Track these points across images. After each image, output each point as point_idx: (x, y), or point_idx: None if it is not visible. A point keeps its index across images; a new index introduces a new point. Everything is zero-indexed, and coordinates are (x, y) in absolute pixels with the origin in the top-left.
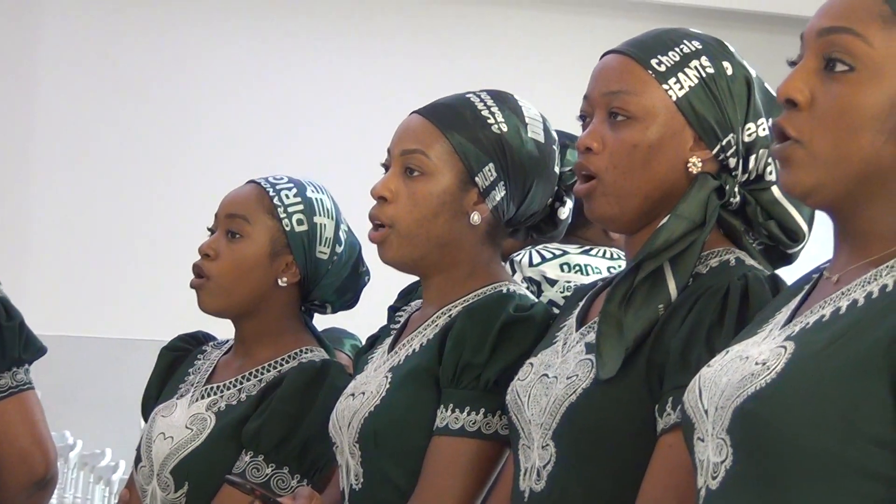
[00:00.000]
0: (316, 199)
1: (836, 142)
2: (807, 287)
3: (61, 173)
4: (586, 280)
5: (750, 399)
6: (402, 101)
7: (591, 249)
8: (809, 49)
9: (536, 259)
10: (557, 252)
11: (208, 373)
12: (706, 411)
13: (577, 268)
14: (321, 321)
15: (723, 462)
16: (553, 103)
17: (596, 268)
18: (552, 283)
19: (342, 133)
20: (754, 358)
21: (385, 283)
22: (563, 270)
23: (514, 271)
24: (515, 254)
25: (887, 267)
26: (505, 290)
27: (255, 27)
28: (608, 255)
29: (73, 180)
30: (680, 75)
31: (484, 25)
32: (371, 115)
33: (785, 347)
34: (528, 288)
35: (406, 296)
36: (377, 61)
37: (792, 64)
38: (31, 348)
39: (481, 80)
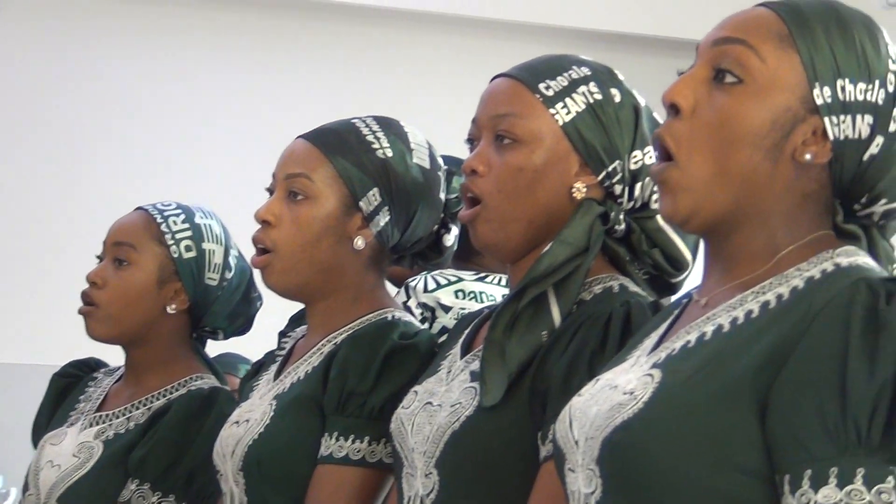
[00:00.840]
0: (204, 224)
1: (714, 155)
2: (676, 311)
3: None
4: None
5: (618, 430)
6: (290, 125)
7: (486, 276)
8: (702, 58)
9: (431, 285)
10: (452, 278)
11: (99, 401)
12: (576, 442)
13: (472, 295)
14: (216, 346)
15: (592, 493)
16: (445, 125)
17: (491, 295)
18: (446, 309)
19: (231, 158)
20: (622, 387)
21: (281, 308)
22: (457, 297)
23: (408, 297)
24: (411, 279)
25: (753, 292)
26: (390, 318)
27: (146, 51)
28: (503, 282)
29: None
30: (567, 100)
31: (374, 48)
32: (259, 140)
33: (652, 376)
34: (422, 314)
35: (297, 321)
36: (266, 86)
37: (681, 74)
38: None
39: (370, 104)
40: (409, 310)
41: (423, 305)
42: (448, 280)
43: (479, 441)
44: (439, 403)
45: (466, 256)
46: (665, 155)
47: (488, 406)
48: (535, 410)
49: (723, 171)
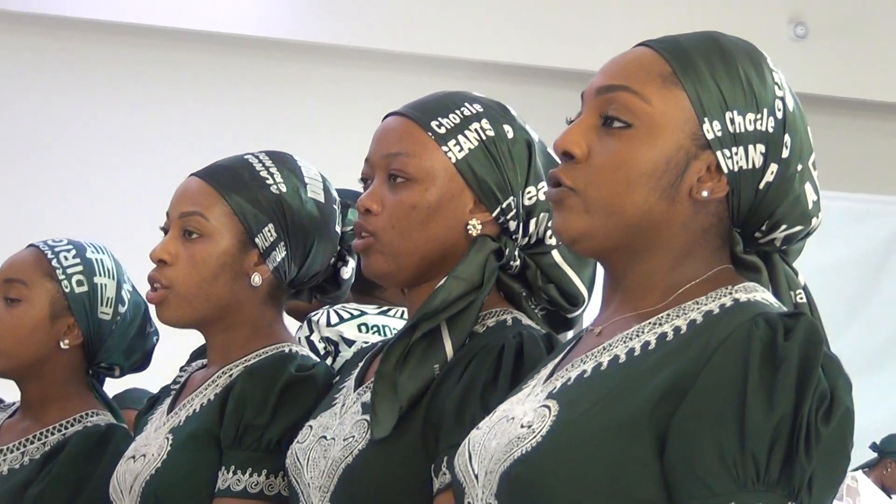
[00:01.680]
0: (96, 259)
1: (610, 195)
2: (572, 342)
3: None
4: None
5: (516, 463)
6: (184, 162)
7: (389, 310)
8: (588, 106)
9: (334, 319)
10: (355, 312)
11: None
12: (476, 475)
13: (375, 328)
14: (122, 381)
15: None
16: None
17: (393, 328)
18: (350, 343)
19: (125, 194)
20: (519, 419)
21: (185, 342)
22: (360, 331)
23: (311, 331)
24: (313, 313)
25: (650, 323)
26: (287, 351)
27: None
28: (406, 315)
29: None
30: (460, 137)
31: (268, 81)
32: (152, 176)
33: (549, 408)
34: (325, 348)
35: (198, 356)
36: (160, 122)
37: (570, 122)
38: None
39: (265, 139)
40: (311, 344)
41: (326, 339)
42: (351, 314)
43: (371, 474)
44: (333, 437)
45: (368, 290)
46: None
47: (379, 439)
48: (427, 443)
49: (619, 210)
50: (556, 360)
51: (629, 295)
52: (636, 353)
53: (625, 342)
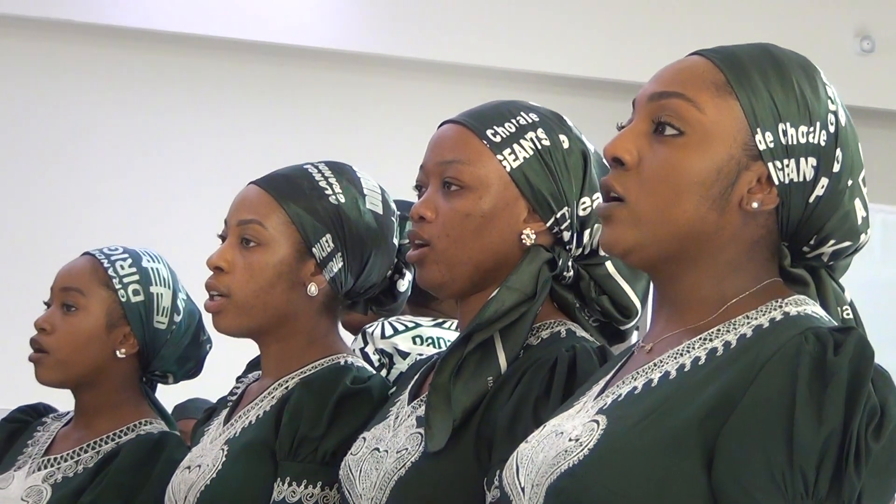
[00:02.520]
0: (152, 268)
1: (660, 204)
2: (623, 358)
3: None
4: None
5: (563, 476)
6: (242, 171)
7: (444, 322)
8: (640, 113)
9: (389, 331)
10: (410, 324)
11: (47, 444)
12: (523, 489)
13: (430, 341)
14: (184, 391)
15: None
16: (398, 170)
17: (448, 340)
18: (404, 355)
19: (184, 202)
20: (568, 433)
21: (240, 350)
22: (415, 343)
23: (366, 343)
24: (368, 326)
25: (700, 339)
26: (342, 363)
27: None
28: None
29: None
30: (515, 146)
31: (328, 92)
32: (211, 186)
33: (597, 422)
34: (380, 360)
35: (254, 366)
36: (220, 131)
37: (621, 128)
38: None
39: (323, 149)
40: (366, 356)
41: (380, 351)
42: (405, 326)
43: (424, 487)
44: (386, 449)
45: (424, 302)
46: (611, 200)
47: (433, 452)
48: (480, 456)
49: (669, 220)
50: (608, 376)
51: (678, 308)
52: (686, 369)
53: (675, 358)
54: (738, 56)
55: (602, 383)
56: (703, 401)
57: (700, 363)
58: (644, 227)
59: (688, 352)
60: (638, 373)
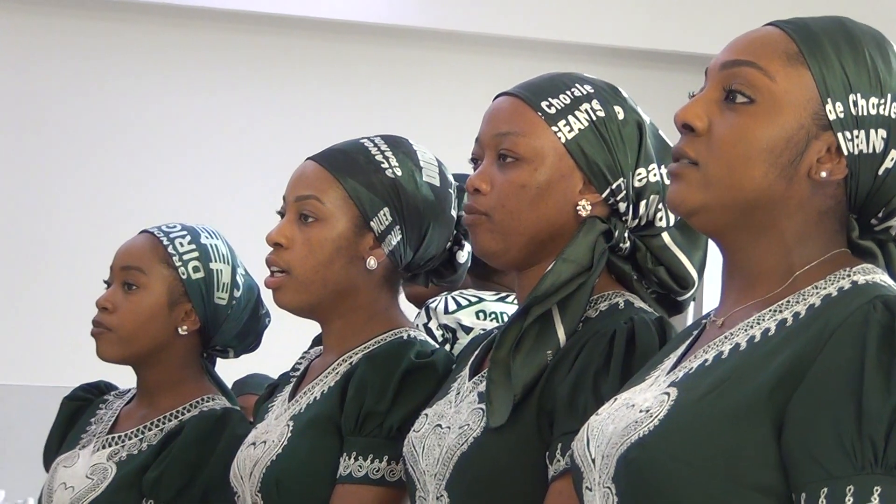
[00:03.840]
0: (211, 245)
1: (730, 169)
2: (695, 332)
3: None
4: None
5: (633, 447)
6: (299, 147)
7: (507, 296)
8: (711, 81)
9: (452, 306)
10: (473, 299)
11: (111, 422)
12: (593, 460)
13: (493, 315)
14: (242, 366)
15: None
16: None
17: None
18: (467, 330)
19: (240, 179)
20: (639, 405)
21: (297, 325)
22: (478, 318)
23: (429, 318)
24: (431, 300)
25: (770, 311)
26: (406, 337)
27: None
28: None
29: None
30: (570, 118)
31: (381, 67)
32: (269, 162)
33: (668, 394)
34: (443, 335)
35: (320, 342)
36: (275, 107)
37: (692, 97)
38: None
39: (378, 123)
40: (429, 331)
41: (443, 327)
42: (469, 301)
43: (486, 462)
44: (448, 425)
45: (486, 276)
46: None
47: (495, 427)
48: (542, 430)
49: (737, 185)
50: (680, 350)
51: (747, 280)
52: (756, 340)
53: (745, 330)
54: (810, 27)
55: (674, 357)
56: (773, 370)
57: (770, 334)
58: (712, 190)
59: (758, 324)
60: (709, 346)
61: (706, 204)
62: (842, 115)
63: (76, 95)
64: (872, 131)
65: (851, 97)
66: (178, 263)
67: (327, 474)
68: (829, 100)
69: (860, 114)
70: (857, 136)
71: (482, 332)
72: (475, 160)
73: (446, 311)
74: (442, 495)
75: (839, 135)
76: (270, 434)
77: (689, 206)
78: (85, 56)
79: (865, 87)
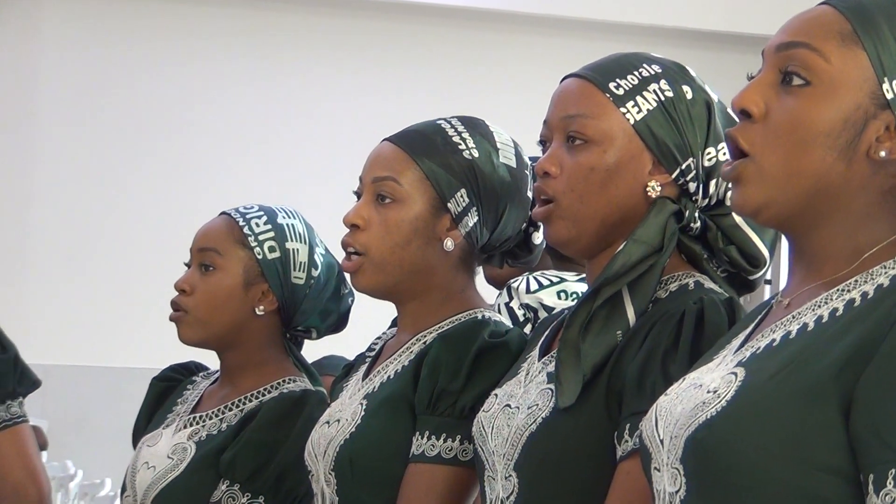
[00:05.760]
0: (287, 224)
1: (787, 156)
2: (762, 312)
3: (63, 205)
4: None
5: (701, 428)
6: (376, 128)
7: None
8: (767, 64)
9: (534, 286)
10: (555, 279)
11: (194, 403)
12: (661, 441)
13: (574, 295)
14: (320, 348)
15: (677, 492)
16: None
17: None
18: (549, 310)
19: (318, 161)
20: (707, 386)
21: (380, 306)
22: (560, 298)
23: (511, 298)
24: (513, 280)
25: (838, 291)
26: (480, 317)
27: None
28: None
29: (76, 212)
30: (638, 99)
31: (453, 50)
32: (345, 143)
33: (736, 374)
34: (524, 315)
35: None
36: (350, 89)
37: (751, 79)
38: (26, 381)
39: (452, 105)
40: (511, 311)
41: (525, 306)
42: (550, 281)
43: (555, 442)
44: (517, 406)
45: (567, 257)
46: (738, 154)
47: (564, 407)
48: (610, 410)
49: (797, 172)
50: (748, 330)
51: (814, 263)
52: (824, 320)
53: (813, 310)
54: (864, 5)
55: (741, 337)
56: (841, 350)
57: (838, 314)
58: (771, 183)
59: (825, 304)
60: (776, 326)
61: (768, 199)
62: None
63: (154, 81)
64: None
65: None
66: (253, 244)
67: (400, 453)
68: (885, 78)
69: None
70: None
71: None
72: (543, 142)
73: (528, 291)
74: (510, 475)
75: None
76: (344, 413)
77: (753, 206)
78: (166, 42)
79: None
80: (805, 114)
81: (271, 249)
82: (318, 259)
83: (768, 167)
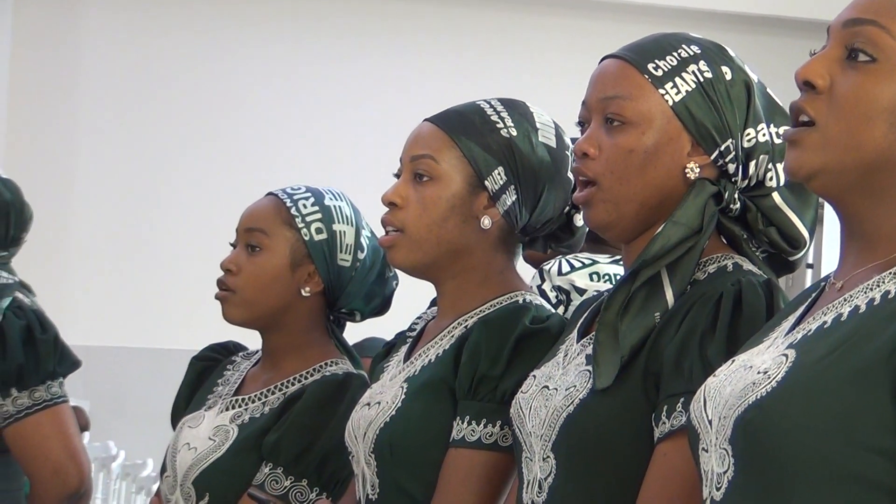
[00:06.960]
0: (334, 206)
1: (850, 129)
2: (813, 294)
3: (105, 187)
4: None
5: (750, 408)
6: (422, 113)
7: (620, 259)
8: (833, 39)
9: (566, 268)
10: (587, 261)
11: (237, 384)
12: (710, 421)
13: (607, 277)
14: (361, 330)
15: (725, 472)
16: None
17: None
18: (581, 292)
19: (364, 145)
20: (757, 367)
21: (421, 289)
22: (592, 280)
23: (543, 280)
24: (545, 262)
25: (891, 273)
26: (521, 301)
27: (277, 41)
28: None
29: (118, 194)
30: (677, 80)
31: (493, 32)
32: (391, 127)
33: (786, 356)
34: (557, 297)
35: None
36: (394, 73)
37: (813, 55)
38: (66, 362)
39: (492, 87)
40: (543, 293)
41: (557, 288)
42: (583, 263)
43: (592, 424)
44: (555, 387)
45: (601, 239)
46: (799, 125)
47: (602, 388)
48: (648, 392)
49: (857, 145)
50: (798, 312)
51: (867, 243)
52: (876, 303)
53: (865, 293)
54: None
55: (792, 320)
56: (893, 333)
57: (890, 296)
58: (831, 152)
59: (878, 286)
60: (828, 308)
61: (825, 166)
62: None
63: (203, 64)
64: None
65: None
66: (300, 225)
67: (440, 438)
68: None
69: None
70: None
71: (595, 293)
72: (582, 124)
73: (560, 273)
74: (548, 456)
75: None
76: (385, 395)
77: (808, 170)
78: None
79: None
80: (870, 89)
81: (318, 231)
82: (365, 242)
83: (832, 136)
